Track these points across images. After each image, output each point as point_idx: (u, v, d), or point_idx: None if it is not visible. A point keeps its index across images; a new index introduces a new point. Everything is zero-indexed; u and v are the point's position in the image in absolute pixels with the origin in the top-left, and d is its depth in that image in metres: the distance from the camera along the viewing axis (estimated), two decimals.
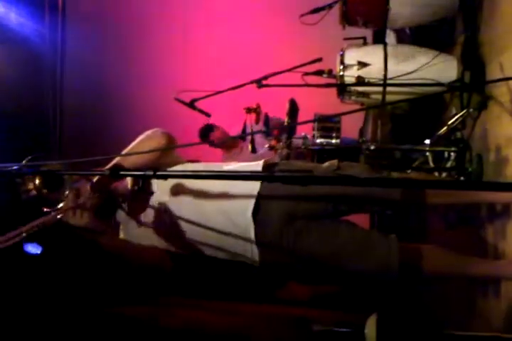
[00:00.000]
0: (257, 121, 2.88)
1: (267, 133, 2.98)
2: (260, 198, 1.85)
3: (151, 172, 1.20)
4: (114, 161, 1.85)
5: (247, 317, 3.14)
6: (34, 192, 1.73)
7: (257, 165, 1.95)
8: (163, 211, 1.90)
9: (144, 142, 1.94)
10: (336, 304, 3.14)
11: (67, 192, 1.74)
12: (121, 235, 1.97)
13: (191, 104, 2.69)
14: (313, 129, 3.04)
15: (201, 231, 1.88)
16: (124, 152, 1.94)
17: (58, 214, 1.68)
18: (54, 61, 4.49)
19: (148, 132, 1.98)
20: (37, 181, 1.72)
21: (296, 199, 1.89)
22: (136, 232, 1.93)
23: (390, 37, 3.69)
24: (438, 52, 3.00)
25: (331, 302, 3.17)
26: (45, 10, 4.33)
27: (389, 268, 1.85)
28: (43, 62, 4.38)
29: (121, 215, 1.95)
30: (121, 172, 1.26)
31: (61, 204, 1.74)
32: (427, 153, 2.99)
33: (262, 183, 1.85)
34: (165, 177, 1.32)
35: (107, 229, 1.86)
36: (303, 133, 3.14)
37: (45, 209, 1.76)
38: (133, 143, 1.96)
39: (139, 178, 1.70)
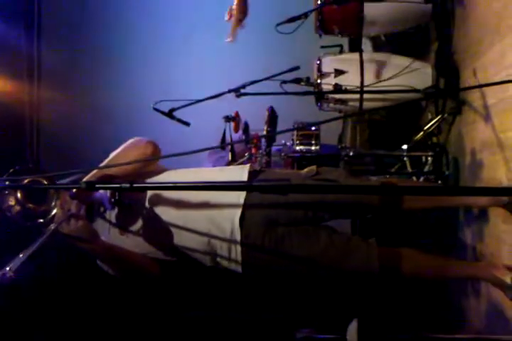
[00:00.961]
0: (236, 130, 2.90)
1: (247, 142, 3.00)
2: (245, 206, 1.88)
3: (128, 185, 1.20)
4: (95, 172, 1.84)
5: None
6: (18, 208, 1.69)
7: (242, 171, 1.97)
8: (148, 218, 1.89)
9: (129, 151, 1.93)
10: (317, 310, 3.16)
11: (53, 204, 1.71)
12: None
13: (170, 114, 2.70)
14: (293, 137, 3.07)
15: (186, 236, 1.89)
16: (107, 159, 1.92)
17: (60, 225, 1.64)
18: (31, 73, 4.46)
19: (132, 140, 1.97)
20: (19, 195, 1.69)
21: (277, 207, 1.91)
22: (119, 240, 1.91)
23: (366, 45, 3.74)
24: (413, 59, 3.05)
25: (312, 309, 3.19)
26: (21, 26, 4.31)
27: (369, 272, 1.88)
28: (20, 75, 4.34)
29: (98, 223, 1.92)
30: (97, 185, 1.26)
31: (54, 212, 1.70)
32: (405, 158, 3.04)
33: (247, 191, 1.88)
34: (141, 189, 1.32)
35: (98, 236, 1.83)
36: (282, 141, 3.17)
37: (39, 221, 1.71)
38: (117, 151, 1.94)
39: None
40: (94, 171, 1.84)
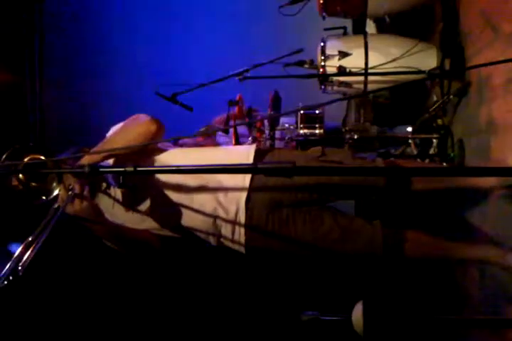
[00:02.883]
0: (240, 114, 2.89)
1: (250, 125, 2.98)
2: (251, 187, 1.88)
3: (132, 169, 1.19)
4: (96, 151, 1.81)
5: None
6: (21, 187, 1.69)
7: (248, 152, 1.95)
8: (153, 197, 1.89)
9: (131, 128, 1.88)
10: (322, 292, 3.18)
11: (54, 184, 1.70)
12: None
13: (173, 99, 2.68)
14: (297, 120, 3.05)
15: (191, 215, 1.89)
16: (108, 136, 1.90)
17: (66, 205, 1.63)
18: (32, 58, 4.45)
19: (135, 117, 1.91)
20: (20, 175, 1.69)
21: (283, 189, 1.91)
22: (123, 215, 1.92)
23: (370, 26, 3.70)
24: (417, 40, 3.01)
25: (317, 291, 3.21)
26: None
27: (373, 254, 1.88)
28: (21, 61, 4.33)
29: (102, 199, 1.91)
30: (102, 170, 1.25)
31: (56, 193, 1.70)
32: (410, 140, 3.02)
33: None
34: (146, 173, 1.31)
35: (103, 215, 1.83)
36: (286, 125, 3.15)
37: (42, 197, 1.71)
38: (118, 127, 1.91)
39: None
40: (95, 151, 1.81)
